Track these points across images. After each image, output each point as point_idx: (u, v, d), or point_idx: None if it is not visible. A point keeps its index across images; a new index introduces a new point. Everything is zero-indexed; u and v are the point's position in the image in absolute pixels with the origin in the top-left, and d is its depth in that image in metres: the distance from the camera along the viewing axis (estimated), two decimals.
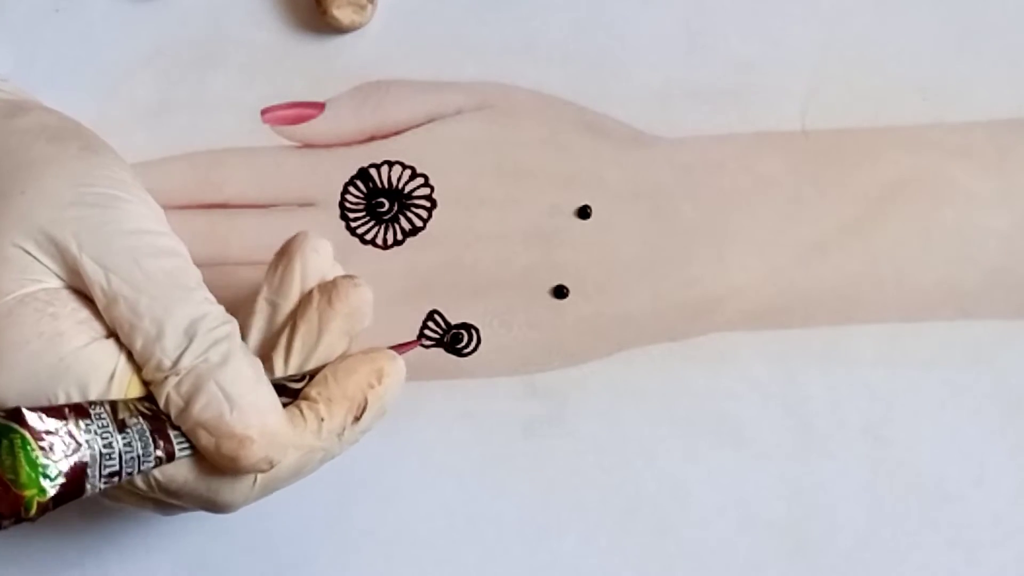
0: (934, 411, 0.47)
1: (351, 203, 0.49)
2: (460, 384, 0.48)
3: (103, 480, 0.35)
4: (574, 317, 0.48)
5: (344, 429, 0.39)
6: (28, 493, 0.33)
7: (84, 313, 0.37)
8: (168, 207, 0.48)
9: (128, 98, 0.50)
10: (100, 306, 0.37)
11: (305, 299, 0.41)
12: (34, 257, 0.37)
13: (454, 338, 0.48)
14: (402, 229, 0.49)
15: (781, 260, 0.48)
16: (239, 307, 0.41)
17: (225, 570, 0.46)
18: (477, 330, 0.48)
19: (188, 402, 0.36)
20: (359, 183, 0.49)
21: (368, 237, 0.49)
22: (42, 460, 0.34)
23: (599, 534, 0.47)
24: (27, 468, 0.33)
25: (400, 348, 0.43)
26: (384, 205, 0.49)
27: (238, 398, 0.36)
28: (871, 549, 0.46)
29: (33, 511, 0.34)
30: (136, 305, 0.36)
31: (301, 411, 0.39)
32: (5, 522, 0.34)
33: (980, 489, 0.46)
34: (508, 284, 0.48)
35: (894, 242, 0.48)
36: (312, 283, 0.41)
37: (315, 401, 0.39)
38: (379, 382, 0.40)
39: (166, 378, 0.36)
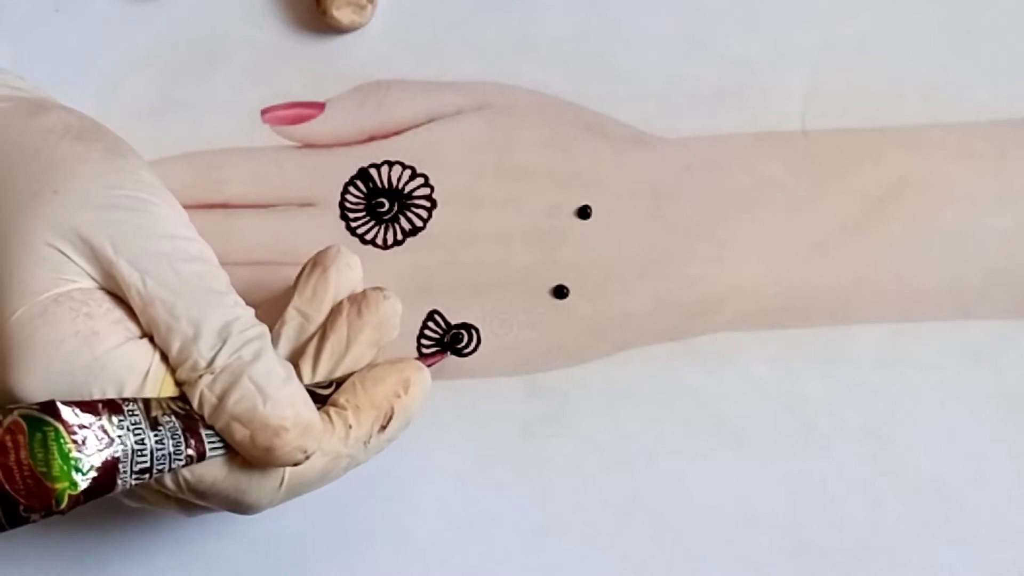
0: (934, 411, 0.47)
1: (351, 203, 0.49)
2: (460, 384, 0.48)
3: (134, 476, 0.35)
4: (574, 317, 0.48)
5: (371, 437, 0.40)
6: (60, 486, 0.34)
7: (118, 313, 0.38)
8: None
9: (128, 98, 0.50)
10: (136, 308, 0.37)
11: (335, 309, 0.41)
12: (68, 257, 0.37)
13: (454, 338, 0.48)
14: (402, 229, 0.49)
15: (781, 260, 0.48)
16: (264, 312, 0.41)
17: (226, 570, 0.46)
18: (477, 330, 0.48)
19: (222, 398, 0.37)
20: (359, 183, 0.49)
21: (368, 237, 0.49)
22: (75, 454, 0.34)
23: (599, 534, 0.47)
24: (59, 461, 0.34)
25: (427, 359, 0.45)
26: (384, 205, 0.49)
27: (272, 391, 0.37)
28: (871, 549, 0.46)
29: (64, 504, 0.34)
30: (173, 308, 0.37)
31: (329, 417, 0.40)
32: (35, 515, 0.34)
33: (980, 489, 0.46)
34: (508, 284, 0.48)
35: (894, 242, 0.48)
36: (343, 296, 0.42)
37: (343, 408, 0.40)
38: (405, 392, 0.41)
39: (200, 377, 0.37)
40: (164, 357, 0.38)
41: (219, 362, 0.37)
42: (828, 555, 0.46)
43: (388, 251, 0.49)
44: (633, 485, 0.47)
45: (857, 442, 0.47)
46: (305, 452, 0.37)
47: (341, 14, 0.50)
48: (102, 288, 0.38)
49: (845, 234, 0.48)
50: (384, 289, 0.42)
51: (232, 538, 0.46)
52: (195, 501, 0.38)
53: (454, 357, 0.48)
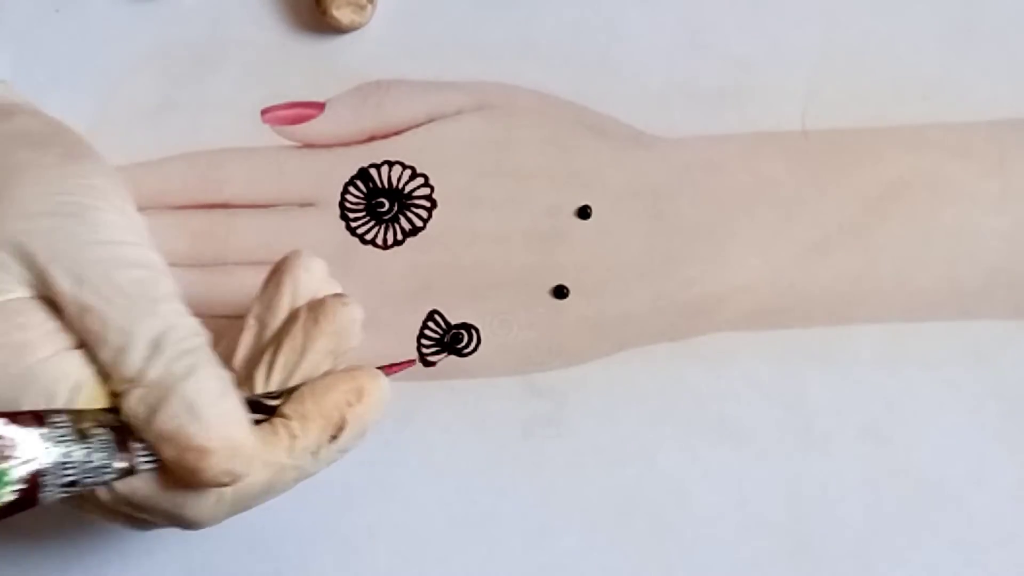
0: (934, 411, 0.47)
1: (351, 203, 0.49)
2: (460, 384, 0.48)
3: (60, 489, 0.34)
4: (574, 317, 0.48)
5: (320, 447, 0.39)
6: None
7: (53, 324, 0.37)
8: (168, 207, 0.49)
9: (128, 98, 0.50)
10: (69, 317, 0.36)
11: (292, 317, 0.40)
12: (6, 266, 0.36)
13: (454, 338, 0.48)
14: (402, 229, 0.49)
15: (781, 260, 0.48)
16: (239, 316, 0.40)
17: (226, 570, 0.46)
18: (477, 330, 0.48)
19: (151, 414, 0.36)
20: (359, 183, 0.49)
21: (368, 237, 0.49)
22: (0, 467, 0.33)
23: (599, 534, 0.47)
24: None
25: (392, 368, 0.43)
26: (384, 205, 0.49)
27: (201, 409, 0.36)
28: (871, 549, 0.46)
29: None
30: (104, 316, 0.36)
31: (274, 427, 0.38)
32: None
33: (980, 489, 0.46)
34: (508, 284, 0.48)
35: (894, 242, 0.48)
36: (302, 302, 0.41)
37: (289, 418, 0.38)
38: (359, 400, 0.39)
39: (131, 389, 0.36)
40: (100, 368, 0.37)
41: (151, 375, 0.36)
42: (828, 555, 0.46)
43: (388, 251, 0.49)
44: (633, 485, 0.47)
45: (857, 442, 0.47)
46: (233, 476, 0.36)
47: (341, 14, 0.50)
48: (40, 298, 0.37)
49: (845, 234, 0.48)
50: (344, 296, 0.41)
51: (232, 538, 0.46)
52: (136, 515, 0.38)
53: (454, 357, 0.48)
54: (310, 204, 0.49)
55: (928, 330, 0.48)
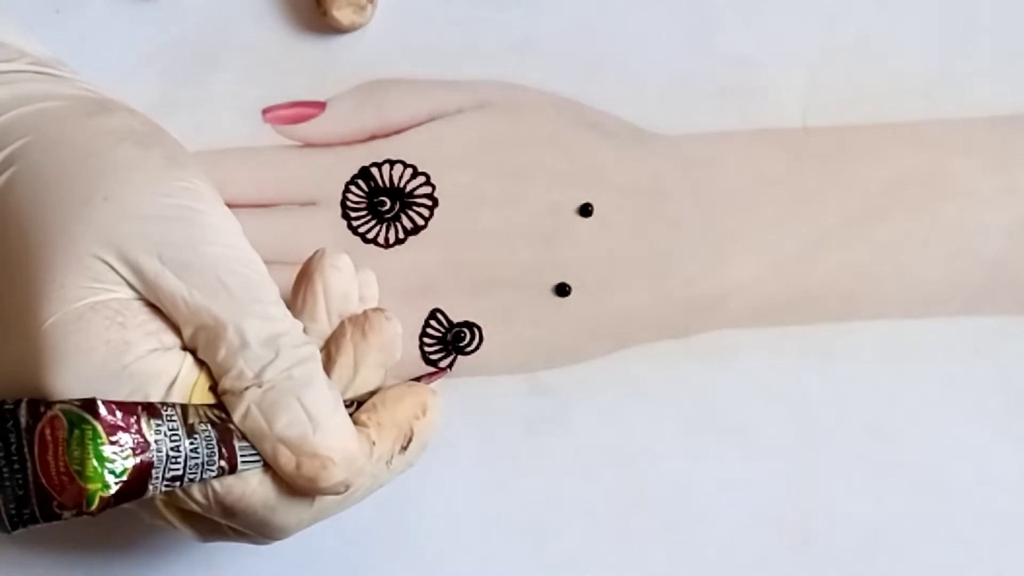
0: (937, 407, 0.47)
1: (352, 202, 0.49)
2: (462, 382, 0.48)
3: (165, 483, 0.35)
4: (576, 315, 0.48)
5: (392, 456, 0.39)
6: (92, 487, 0.33)
7: (153, 325, 0.37)
8: None
9: (128, 98, 0.49)
10: (180, 319, 0.37)
11: (338, 332, 0.41)
12: (110, 267, 0.36)
13: (456, 336, 0.48)
14: (404, 228, 0.49)
15: (783, 257, 0.48)
16: None
17: (227, 569, 0.46)
18: (479, 328, 0.48)
19: (269, 417, 0.36)
20: (360, 182, 0.49)
21: (370, 236, 0.49)
22: (109, 455, 0.33)
23: (602, 532, 0.46)
24: (94, 461, 0.33)
25: (428, 378, 0.45)
26: (386, 204, 0.49)
27: (322, 420, 0.36)
28: (874, 544, 0.46)
29: (95, 506, 0.33)
30: (219, 317, 0.36)
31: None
32: (67, 512, 0.33)
33: (983, 484, 0.46)
34: (510, 282, 0.48)
35: (896, 238, 0.48)
36: (336, 301, 0.41)
37: (365, 425, 0.39)
38: (424, 414, 0.40)
39: (246, 389, 0.36)
40: (196, 366, 0.37)
41: (268, 376, 0.36)
42: (831, 551, 0.46)
43: (390, 250, 0.49)
44: (636, 482, 0.47)
45: (859, 438, 0.47)
46: (347, 486, 0.37)
47: (341, 14, 0.50)
48: (141, 299, 0.37)
49: (846, 231, 0.48)
50: (385, 310, 0.41)
51: None
52: (220, 519, 0.38)
53: (456, 355, 0.48)
54: (311, 203, 0.49)
55: (930, 326, 0.48)
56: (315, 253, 0.41)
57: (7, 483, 0.34)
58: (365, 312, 0.41)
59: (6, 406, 0.34)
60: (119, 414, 0.34)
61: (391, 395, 0.40)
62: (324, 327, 0.41)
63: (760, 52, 0.50)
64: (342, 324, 0.41)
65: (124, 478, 0.34)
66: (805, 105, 0.49)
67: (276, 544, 0.45)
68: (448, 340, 0.48)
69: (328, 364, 0.40)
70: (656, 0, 0.50)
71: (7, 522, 0.34)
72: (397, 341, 0.41)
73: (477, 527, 0.47)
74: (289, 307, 0.40)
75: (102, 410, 0.34)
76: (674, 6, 0.50)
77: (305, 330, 0.40)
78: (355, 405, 0.40)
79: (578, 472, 0.47)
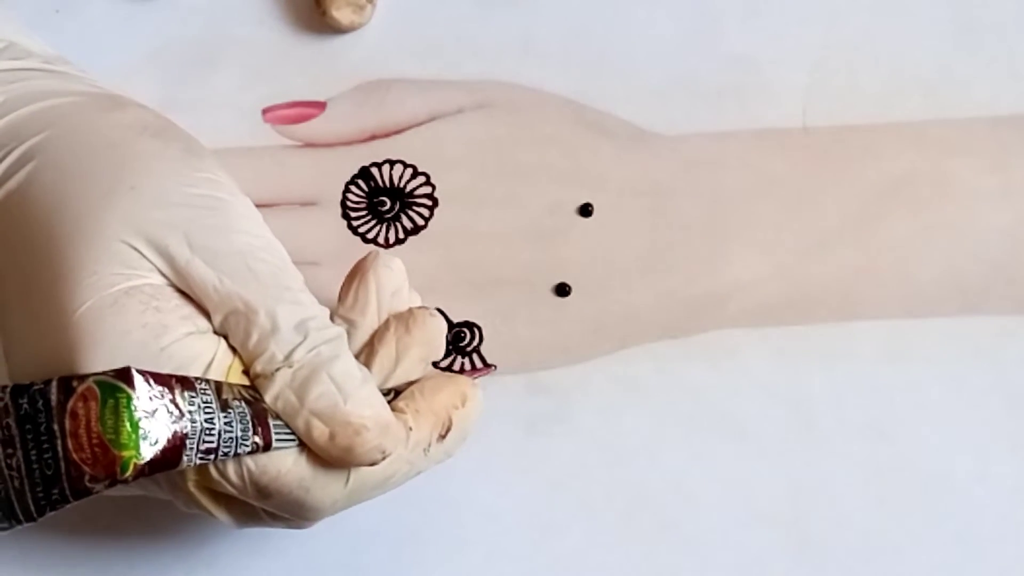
0: (937, 406, 0.47)
1: (353, 202, 0.49)
2: None
3: (200, 455, 0.35)
4: (576, 315, 0.48)
5: (430, 444, 0.40)
6: (126, 454, 0.33)
7: (187, 309, 0.37)
8: None
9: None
10: (210, 305, 0.37)
11: (383, 327, 0.41)
12: (141, 253, 0.37)
13: (456, 336, 0.48)
14: (404, 228, 0.49)
15: (783, 257, 0.48)
16: None
17: (228, 569, 0.46)
18: (479, 328, 0.48)
19: (301, 394, 0.37)
20: (360, 182, 0.49)
21: (370, 236, 0.49)
22: (144, 423, 0.33)
23: (602, 531, 0.46)
24: (128, 428, 0.33)
25: (473, 372, 0.45)
26: (386, 204, 0.49)
27: (352, 390, 0.37)
28: (874, 544, 0.46)
29: (129, 472, 0.33)
30: (250, 303, 0.37)
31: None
32: (99, 484, 0.33)
33: (983, 484, 0.46)
34: (510, 282, 0.48)
35: (896, 238, 0.48)
36: (386, 298, 0.41)
37: (403, 412, 0.39)
38: (463, 404, 0.40)
39: (277, 371, 0.37)
40: (230, 350, 0.37)
41: (297, 356, 0.37)
42: (832, 551, 0.46)
43: (390, 250, 0.49)
44: (636, 482, 0.47)
45: (860, 438, 0.47)
46: (384, 452, 0.37)
47: (341, 14, 0.50)
48: (171, 285, 0.38)
49: (847, 230, 0.48)
50: (429, 308, 0.42)
51: (235, 537, 0.46)
52: (255, 501, 0.38)
53: (455, 355, 0.48)
54: (312, 203, 0.49)
55: (930, 326, 0.48)
56: (369, 253, 0.42)
57: (34, 466, 0.34)
58: (410, 309, 0.41)
59: (35, 386, 0.34)
60: (153, 384, 0.34)
61: (430, 384, 0.40)
62: (373, 321, 0.41)
63: (760, 52, 0.50)
64: (387, 320, 0.41)
65: (158, 447, 0.34)
66: (805, 105, 0.50)
67: (276, 544, 0.46)
68: (448, 340, 0.48)
69: (371, 356, 0.40)
70: (656, 0, 0.50)
71: (33, 508, 0.34)
72: (440, 338, 0.41)
73: (477, 526, 0.47)
74: (339, 302, 0.40)
75: (136, 378, 0.34)
76: (674, 6, 0.50)
77: (353, 325, 0.40)
78: (393, 394, 0.40)
79: (578, 471, 0.47)
